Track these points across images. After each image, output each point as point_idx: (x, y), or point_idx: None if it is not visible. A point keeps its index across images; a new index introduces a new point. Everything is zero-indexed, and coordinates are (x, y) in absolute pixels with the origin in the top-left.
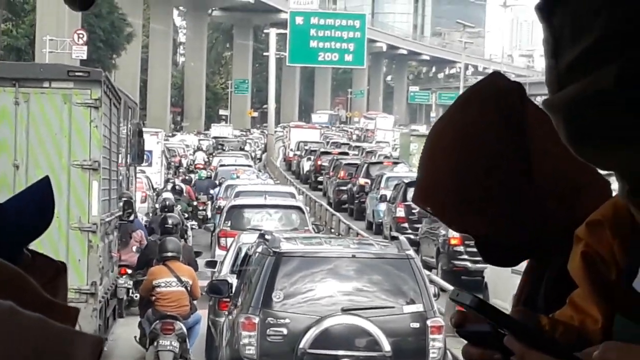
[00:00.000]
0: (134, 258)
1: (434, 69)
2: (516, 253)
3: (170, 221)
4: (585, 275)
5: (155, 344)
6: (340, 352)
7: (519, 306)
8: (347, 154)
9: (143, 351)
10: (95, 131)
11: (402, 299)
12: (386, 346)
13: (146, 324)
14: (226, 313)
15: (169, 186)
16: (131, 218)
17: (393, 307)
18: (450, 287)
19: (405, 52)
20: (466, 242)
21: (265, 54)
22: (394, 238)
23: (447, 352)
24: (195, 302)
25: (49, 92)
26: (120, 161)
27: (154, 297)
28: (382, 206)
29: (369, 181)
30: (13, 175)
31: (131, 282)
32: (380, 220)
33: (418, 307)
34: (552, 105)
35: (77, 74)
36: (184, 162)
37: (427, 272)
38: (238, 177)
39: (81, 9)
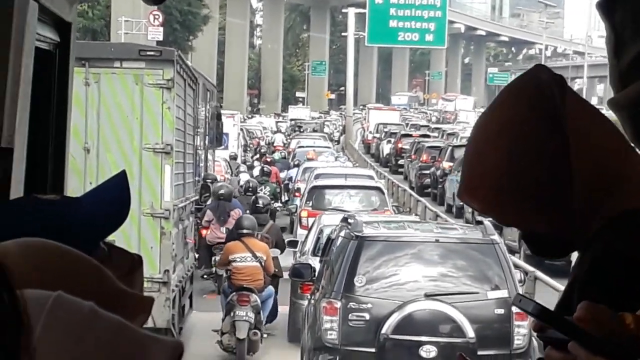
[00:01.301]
0: None
1: (513, 50)
2: (564, 245)
3: (260, 202)
4: None
5: (231, 314)
6: (423, 338)
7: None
8: (428, 136)
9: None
10: (168, 113)
11: (486, 285)
12: (470, 332)
13: (222, 297)
14: (308, 297)
15: (257, 168)
16: (208, 202)
17: (477, 293)
18: (534, 271)
19: (483, 33)
20: None
21: (343, 34)
22: (478, 222)
23: (532, 339)
24: (268, 276)
25: (120, 73)
26: (198, 144)
27: (230, 272)
28: None
29: (453, 164)
30: (84, 159)
31: None
32: (461, 203)
33: (503, 293)
34: (616, 103)
35: (148, 53)
36: (262, 144)
37: (512, 257)
38: (311, 159)
39: (155, 3)
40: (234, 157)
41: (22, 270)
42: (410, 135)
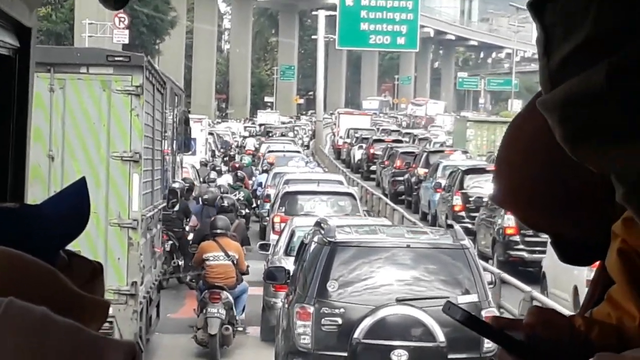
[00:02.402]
0: None
1: (482, 55)
2: (592, 252)
3: (226, 202)
4: (622, 272)
5: (204, 311)
6: (395, 342)
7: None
8: (401, 141)
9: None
10: (137, 120)
11: (457, 289)
12: (440, 337)
13: (197, 294)
14: (282, 299)
15: (227, 175)
16: (176, 208)
17: (447, 297)
18: (509, 278)
19: (452, 37)
20: (522, 232)
21: (313, 36)
22: (449, 226)
23: None
24: (241, 274)
25: (86, 78)
26: (166, 149)
27: (204, 270)
28: (438, 195)
29: (428, 171)
30: (48, 167)
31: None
32: (435, 211)
33: (473, 297)
34: (545, 105)
35: (116, 58)
36: (232, 148)
37: (483, 262)
38: (271, 163)
39: (116, 8)
40: (204, 164)
41: None
42: (383, 141)
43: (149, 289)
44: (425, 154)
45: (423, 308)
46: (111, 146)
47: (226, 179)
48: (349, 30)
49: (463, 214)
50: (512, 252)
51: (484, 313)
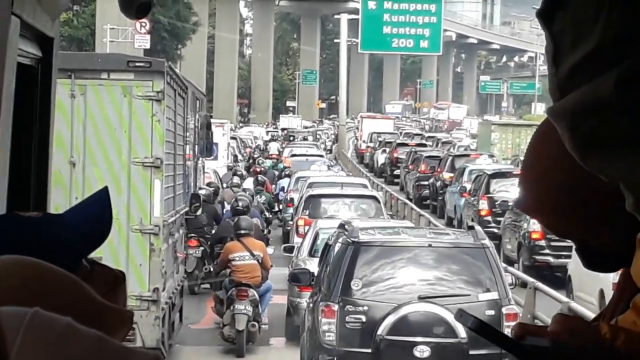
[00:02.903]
0: None
1: (504, 58)
2: (617, 259)
3: (240, 203)
4: None
5: (231, 307)
6: (418, 339)
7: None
8: (425, 145)
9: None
10: (158, 126)
11: (477, 287)
12: (462, 333)
13: (223, 293)
14: (307, 299)
15: (249, 179)
16: (198, 212)
17: (469, 295)
18: (534, 282)
19: (474, 41)
20: (548, 237)
21: (336, 40)
22: (470, 227)
23: None
24: (266, 272)
25: (107, 84)
26: (188, 154)
27: (229, 270)
28: (464, 200)
29: (453, 175)
30: (69, 173)
31: None
32: (460, 216)
33: (493, 295)
34: (554, 113)
35: (137, 64)
36: (255, 152)
37: (509, 267)
38: (287, 167)
39: (137, 17)
40: (230, 168)
41: (2, 286)
42: (406, 145)
43: (171, 295)
44: (450, 158)
45: (445, 305)
46: (132, 152)
47: (248, 184)
48: (372, 33)
49: (489, 218)
50: (537, 257)
51: (504, 310)
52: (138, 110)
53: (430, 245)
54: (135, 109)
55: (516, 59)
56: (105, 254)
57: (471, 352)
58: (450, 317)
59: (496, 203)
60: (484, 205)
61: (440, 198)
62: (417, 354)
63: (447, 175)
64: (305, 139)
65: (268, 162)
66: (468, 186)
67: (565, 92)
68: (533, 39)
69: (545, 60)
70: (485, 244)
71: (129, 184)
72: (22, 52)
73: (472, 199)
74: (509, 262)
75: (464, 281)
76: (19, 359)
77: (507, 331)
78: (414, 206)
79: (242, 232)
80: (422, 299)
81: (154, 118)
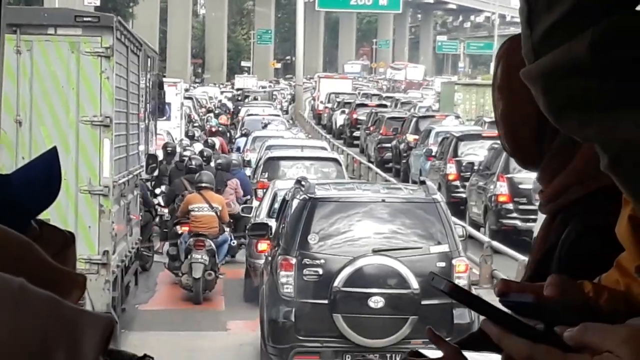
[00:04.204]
0: (232, 207)
1: (461, 18)
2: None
3: (193, 162)
4: (632, 238)
5: (189, 257)
6: (372, 290)
7: (533, 266)
8: (385, 106)
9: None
10: (107, 83)
11: (429, 241)
12: (414, 284)
13: (182, 244)
14: (265, 254)
15: (201, 141)
16: (155, 173)
17: (420, 248)
18: (500, 246)
19: (431, 0)
20: (515, 200)
21: None
22: (422, 182)
23: (471, 288)
24: (223, 225)
25: (54, 40)
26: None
27: (189, 220)
28: (429, 163)
29: (418, 137)
30: (15, 133)
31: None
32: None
33: (444, 248)
34: (529, 75)
35: (85, 19)
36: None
37: (476, 232)
38: (224, 124)
39: None
40: (192, 136)
41: None
42: (366, 105)
43: (123, 258)
44: (414, 119)
45: (398, 258)
46: (81, 110)
47: (198, 147)
48: None
49: (457, 182)
50: (504, 221)
51: (454, 262)
52: (86, 67)
53: (384, 201)
54: (83, 65)
55: (472, 19)
56: (53, 215)
57: (423, 302)
58: (403, 269)
59: (464, 167)
60: (451, 169)
61: (404, 161)
62: (371, 304)
63: (411, 137)
64: (255, 99)
65: (214, 120)
66: (434, 149)
67: (539, 54)
68: None
69: (500, 20)
70: (436, 199)
71: (77, 144)
72: None
73: (439, 162)
74: (475, 226)
75: (416, 234)
76: None
77: (458, 282)
78: (378, 170)
79: (203, 185)
80: (376, 252)
81: (103, 75)
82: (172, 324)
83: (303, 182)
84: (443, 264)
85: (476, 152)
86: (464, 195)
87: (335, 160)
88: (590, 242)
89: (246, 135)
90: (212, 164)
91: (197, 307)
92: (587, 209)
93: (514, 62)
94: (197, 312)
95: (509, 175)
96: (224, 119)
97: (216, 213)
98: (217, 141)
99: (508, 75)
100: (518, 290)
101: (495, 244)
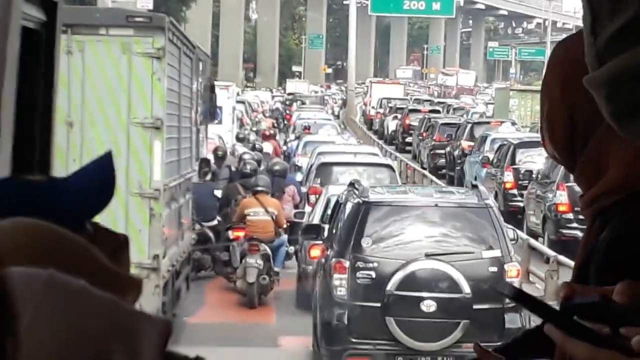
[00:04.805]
0: (288, 214)
1: (513, 24)
2: None
3: (248, 167)
4: None
5: (243, 261)
6: (424, 294)
7: (576, 272)
8: (438, 111)
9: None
10: (158, 85)
11: (481, 245)
12: (466, 289)
13: (237, 249)
14: (318, 254)
15: (248, 146)
16: (208, 177)
17: (472, 253)
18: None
19: (482, 7)
20: (576, 209)
21: (345, 2)
22: (474, 187)
23: None
24: (280, 229)
25: (105, 40)
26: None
27: (244, 225)
28: (485, 171)
29: (473, 144)
30: (66, 134)
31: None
32: (483, 186)
33: (496, 253)
34: (592, 82)
35: (137, 19)
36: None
37: (535, 242)
38: (299, 134)
39: None
40: (242, 139)
41: (13, 248)
42: (419, 111)
43: (174, 262)
44: (469, 125)
45: (450, 262)
46: (132, 112)
47: (241, 150)
48: None
49: (515, 191)
50: (564, 231)
51: (506, 267)
52: (138, 68)
53: (436, 205)
54: (134, 66)
55: (524, 25)
56: (104, 219)
57: (475, 307)
58: (455, 274)
59: (521, 174)
60: (509, 177)
61: (458, 168)
62: (423, 308)
63: (466, 143)
64: (303, 103)
65: (264, 123)
66: (490, 156)
67: (603, 61)
68: (541, 5)
69: (552, 26)
70: (488, 204)
71: (128, 146)
72: (26, 16)
73: (495, 170)
74: (533, 235)
75: (468, 239)
76: (35, 321)
77: None
78: (432, 177)
79: (259, 189)
80: (428, 256)
81: (154, 76)
82: (221, 339)
83: (357, 186)
84: (495, 269)
85: (534, 160)
86: (521, 204)
87: (388, 166)
88: (626, 245)
89: (298, 138)
90: (262, 167)
91: (247, 321)
92: (625, 212)
93: (551, 67)
94: (247, 326)
95: (569, 184)
96: (268, 122)
97: (272, 217)
98: (270, 145)
99: (547, 79)
100: (583, 293)
101: (561, 257)
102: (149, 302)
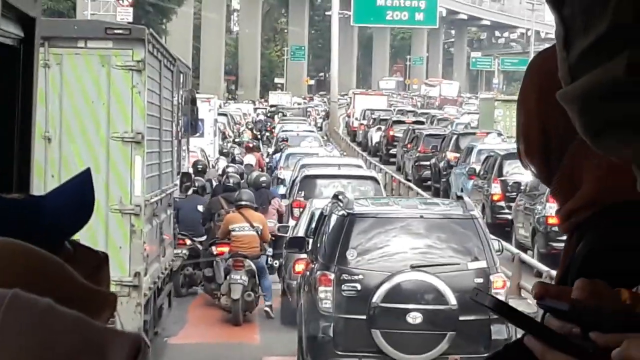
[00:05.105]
0: (272, 228)
1: (496, 34)
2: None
3: (231, 180)
4: None
5: (228, 277)
6: (410, 306)
7: (556, 284)
8: (422, 122)
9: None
10: (139, 98)
11: (467, 256)
12: (452, 300)
13: (220, 265)
14: (303, 268)
15: (228, 159)
16: (189, 192)
17: (458, 264)
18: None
19: (465, 17)
20: None
21: (327, 13)
22: (459, 198)
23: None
24: (265, 244)
25: (84, 53)
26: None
27: (229, 240)
28: (472, 182)
29: (459, 155)
30: (44, 149)
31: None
32: (469, 197)
33: (482, 264)
34: (565, 97)
35: (116, 31)
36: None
37: (524, 254)
38: (282, 146)
39: None
40: (226, 154)
41: None
42: (403, 122)
43: (155, 280)
44: (454, 136)
45: (436, 274)
46: (111, 126)
47: (223, 164)
48: (365, 5)
49: (503, 203)
50: (555, 244)
51: (492, 278)
52: (117, 82)
53: (421, 216)
54: (114, 79)
55: (506, 35)
56: (83, 236)
57: (461, 318)
58: (441, 285)
59: (509, 187)
60: (496, 188)
61: (443, 180)
62: (409, 320)
63: (451, 155)
64: (284, 115)
65: (246, 136)
66: (477, 167)
67: (576, 76)
68: (523, 15)
69: (534, 38)
70: (474, 215)
71: (108, 161)
72: (4, 32)
73: (482, 181)
74: (522, 248)
75: (453, 250)
76: (2, 338)
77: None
78: (418, 190)
79: (243, 203)
80: (414, 267)
81: (134, 90)
82: None
83: (341, 198)
84: (481, 280)
85: (522, 172)
86: (509, 217)
87: (373, 178)
88: (598, 261)
89: (280, 150)
90: (243, 180)
91: (230, 340)
92: (597, 228)
93: (529, 77)
94: (231, 346)
95: None
96: (249, 134)
97: (257, 232)
98: (253, 157)
99: (523, 90)
100: (555, 294)
101: (553, 272)
102: (130, 320)
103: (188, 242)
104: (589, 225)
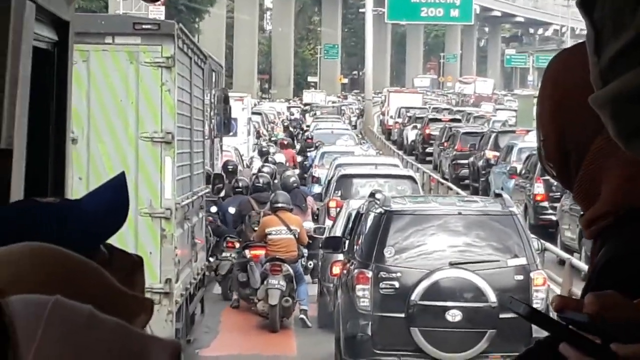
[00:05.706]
0: (308, 229)
1: (530, 31)
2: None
3: (261, 180)
4: None
5: (265, 282)
6: (449, 304)
7: (584, 291)
8: (459, 120)
9: None
10: (168, 96)
11: (506, 253)
12: (492, 297)
13: (256, 269)
14: (340, 268)
15: (262, 158)
16: (221, 194)
17: (498, 261)
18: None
19: (498, 14)
20: None
21: (361, 10)
22: (497, 195)
23: (549, 303)
24: (302, 246)
25: (111, 49)
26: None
27: (266, 244)
28: (513, 182)
29: (499, 154)
30: (70, 151)
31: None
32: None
33: (521, 261)
34: (597, 101)
35: (144, 26)
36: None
37: (571, 257)
38: (318, 143)
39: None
40: (264, 153)
41: (15, 276)
42: (439, 120)
43: (187, 286)
44: (493, 134)
45: (475, 271)
46: (140, 126)
47: (257, 163)
48: (400, 2)
49: (546, 204)
50: None
51: (532, 275)
52: (146, 79)
53: (459, 213)
54: (142, 77)
55: (540, 32)
56: (112, 241)
57: (501, 316)
58: (480, 282)
59: (553, 187)
60: (539, 188)
61: (482, 179)
62: (449, 318)
63: (490, 153)
64: (315, 113)
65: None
66: (518, 166)
67: (607, 80)
68: (557, 11)
69: (569, 34)
70: (512, 211)
71: (137, 162)
72: (38, 37)
73: (524, 181)
74: (568, 251)
75: (492, 247)
76: (41, 348)
77: (536, 295)
78: (458, 189)
79: (279, 205)
80: (453, 265)
81: (164, 87)
82: None
83: (378, 196)
84: (521, 277)
85: None
86: (553, 218)
87: (410, 178)
88: (618, 268)
89: (316, 148)
90: (275, 180)
91: (265, 352)
92: (618, 235)
93: (544, 82)
94: (266, 357)
95: None
96: (281, 130)
97: (294, 235)
98: (283, 156)
99: (540, 96)
100: (575, 307)
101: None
102: (162, 329)
103: (237, 245)
104: (611, 232)
